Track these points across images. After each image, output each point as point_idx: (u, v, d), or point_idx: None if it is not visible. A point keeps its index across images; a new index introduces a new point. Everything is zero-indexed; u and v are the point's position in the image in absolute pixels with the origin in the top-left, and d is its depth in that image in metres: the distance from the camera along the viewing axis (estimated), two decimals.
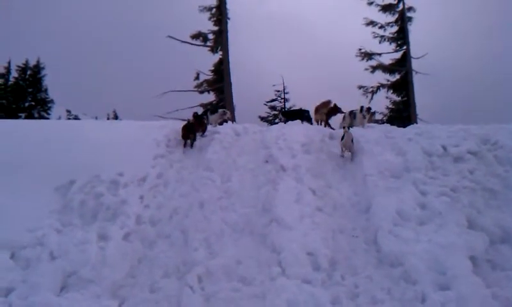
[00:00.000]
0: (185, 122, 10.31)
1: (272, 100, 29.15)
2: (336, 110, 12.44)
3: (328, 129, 11.36)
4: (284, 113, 14.90)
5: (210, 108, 17.92)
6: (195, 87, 22.54)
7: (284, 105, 28.70)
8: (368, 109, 11.91)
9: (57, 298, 5.52)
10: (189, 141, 10.11)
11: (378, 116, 21.14)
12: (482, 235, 6.27)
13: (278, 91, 28.73)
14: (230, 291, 5.71)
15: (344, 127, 9.64)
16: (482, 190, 7.28)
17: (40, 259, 6.03)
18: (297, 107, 26.40)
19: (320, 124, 12.51)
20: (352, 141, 9.06)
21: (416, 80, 23.56)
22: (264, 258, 6.34)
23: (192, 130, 10.21)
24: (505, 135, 8.58)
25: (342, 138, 9.07)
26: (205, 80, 22.67)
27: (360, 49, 24.26)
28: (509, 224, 6.48)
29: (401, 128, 10.23)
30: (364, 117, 11.30)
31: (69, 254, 6.16)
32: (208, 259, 6.31)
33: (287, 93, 28.79)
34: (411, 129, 9.92)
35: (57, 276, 5.84)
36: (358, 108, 11.50)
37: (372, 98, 23.94)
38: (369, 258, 6.25)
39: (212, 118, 12.04)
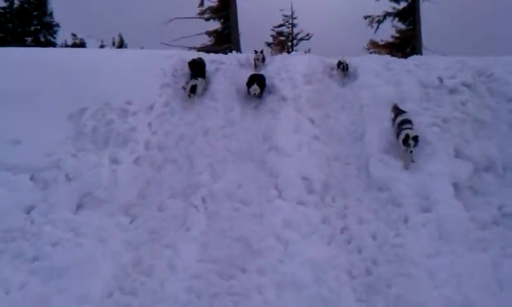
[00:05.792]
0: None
1: (280, 26, 28.35)
2: None
3: (330, 60, 10.32)
4: None
5: None
6: (198, 13, 22.21)
7: (292, 30, 28.07)
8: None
9: (74, 215, 6.11)
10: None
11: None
12: (467, 163, 6.63)
13: (286, 15, 27.89)
14: (231, 211, 6.28)
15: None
16: (472, 121, 7.50)
17: (57, 181, 6.52)
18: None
19: None
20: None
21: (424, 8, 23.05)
22: (262, 182, 6.84)
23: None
24: (501, 67, 8.65)
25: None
26: (209, 7, 22.27)
27: None
28: (494, 153, 6.78)
29: (401, 59, 10.22)
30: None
31: (83, 176, 6.64)
32: (211, 182, 6.81)
33: (295, 18, 28.10)
34: (410, 61, 9.91)
35: (74, 196, 6.36)
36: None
37: (377, 28, 23.53)
38: (359, 183, 6.72)
39: None
